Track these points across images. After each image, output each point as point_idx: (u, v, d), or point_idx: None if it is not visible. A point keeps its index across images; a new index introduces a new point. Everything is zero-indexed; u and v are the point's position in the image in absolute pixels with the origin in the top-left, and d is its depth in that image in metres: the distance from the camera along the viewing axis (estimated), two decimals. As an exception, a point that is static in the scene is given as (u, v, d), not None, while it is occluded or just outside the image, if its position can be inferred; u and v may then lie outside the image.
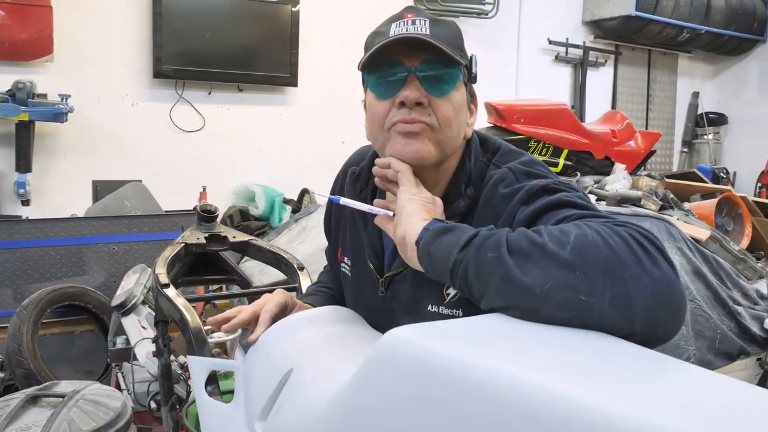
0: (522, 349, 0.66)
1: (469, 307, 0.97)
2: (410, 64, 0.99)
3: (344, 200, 1.07)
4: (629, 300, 0.71)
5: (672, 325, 0.73)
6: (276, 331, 1.00)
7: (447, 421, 0.57)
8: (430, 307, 1.02)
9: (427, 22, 1.00)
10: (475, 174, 1.06)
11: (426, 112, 1.00)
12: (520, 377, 0.54)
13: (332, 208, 1.28)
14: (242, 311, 1.11)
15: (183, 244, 1.53)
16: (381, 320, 1.12)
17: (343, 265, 1.22)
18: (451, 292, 1.00)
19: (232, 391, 1.35)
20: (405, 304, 1.06)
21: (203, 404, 1.07)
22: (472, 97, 1.10)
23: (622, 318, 0.71)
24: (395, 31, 1.00)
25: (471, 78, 1.07)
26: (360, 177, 1.16)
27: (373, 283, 1.11)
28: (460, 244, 0.84)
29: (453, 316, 1.00)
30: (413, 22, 1.00)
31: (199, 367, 1.10)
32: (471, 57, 1.07)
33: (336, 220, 1.26)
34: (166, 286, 1.34)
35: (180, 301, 1.28)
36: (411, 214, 0.94)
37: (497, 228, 0.95)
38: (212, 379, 1.13)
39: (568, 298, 0.72)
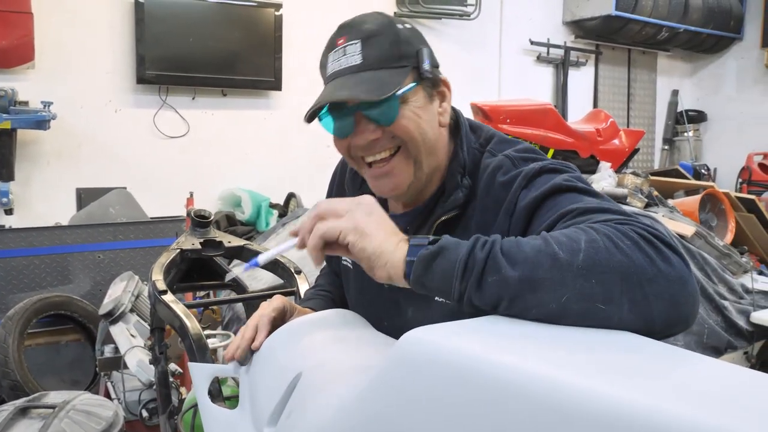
0: (544, 348, 0.66)
1: None
2: (353, 103, 0.98)
3: (263, 257, 0.97)
4: (647, 305, 0.70)
5: (690, 320, 0.74)
6: (280, 335, 0.99)
7: (473, 421, 0.57)
8: (437, 298, 0.97)
9: (359, 45, 0.97)
10: (469, 163, 1.04)
11: (387, 137, 0.99)
12: (551, 375, 0.54)
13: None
14: (246, 330, 1.07)
15: (178, 250, 1.52)
16: (385, 311, 1.10)
17: (344, 258, 1.21)
18: None
19: (230, 397, 1.35)
20: (411, 294, 1.04)
21: (207, 411, 1.06)
22: (434, 85, 1.03)
23: (641, 322, 0.71)
24: (331, 65, 1.00)
25: (423, 73, 1.00)
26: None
27: None
28: (458, 275, 0.77)
29: (461, 308, 0.99)
30: (344, 51, 0.98)
31: (201, 373, 1.09)
32: (418, 52, 1.00)
33: None
34: (164, 292, 1.32)
35: (179, 308, 1.27)
36: (378, 254, 0.82)
37: (500, 217, 0.94)
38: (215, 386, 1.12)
39: (586, 309, 0.71)
